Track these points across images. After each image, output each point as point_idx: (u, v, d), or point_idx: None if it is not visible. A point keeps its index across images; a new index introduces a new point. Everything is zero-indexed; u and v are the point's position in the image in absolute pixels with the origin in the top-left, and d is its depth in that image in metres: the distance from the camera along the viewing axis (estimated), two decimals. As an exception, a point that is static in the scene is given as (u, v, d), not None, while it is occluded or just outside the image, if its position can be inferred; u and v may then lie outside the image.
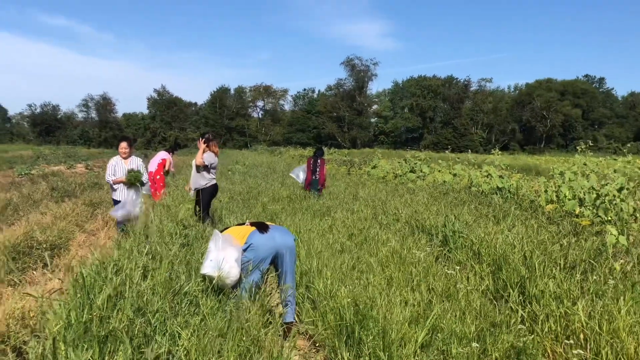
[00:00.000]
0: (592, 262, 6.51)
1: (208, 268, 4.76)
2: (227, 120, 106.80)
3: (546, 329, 4.86)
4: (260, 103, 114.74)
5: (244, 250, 4.95)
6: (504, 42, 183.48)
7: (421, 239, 8.22)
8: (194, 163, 9.66)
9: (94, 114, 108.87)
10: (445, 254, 7.54)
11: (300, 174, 14.67)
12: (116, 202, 9.03)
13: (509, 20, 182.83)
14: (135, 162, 9.24)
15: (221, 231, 5.27)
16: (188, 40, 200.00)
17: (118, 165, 9.12)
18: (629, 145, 20.93)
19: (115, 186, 9.08)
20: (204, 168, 9.47)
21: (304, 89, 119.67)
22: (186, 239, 7.24)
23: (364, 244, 7.90)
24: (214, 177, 9.71)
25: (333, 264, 6.40)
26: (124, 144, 9.25)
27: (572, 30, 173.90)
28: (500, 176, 14.78)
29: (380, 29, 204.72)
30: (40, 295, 4.33)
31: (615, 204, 9.47)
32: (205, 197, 9.45)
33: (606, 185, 9.88)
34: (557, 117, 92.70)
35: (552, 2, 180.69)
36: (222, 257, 4.74)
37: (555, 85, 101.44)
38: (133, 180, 8.95)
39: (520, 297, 5.68)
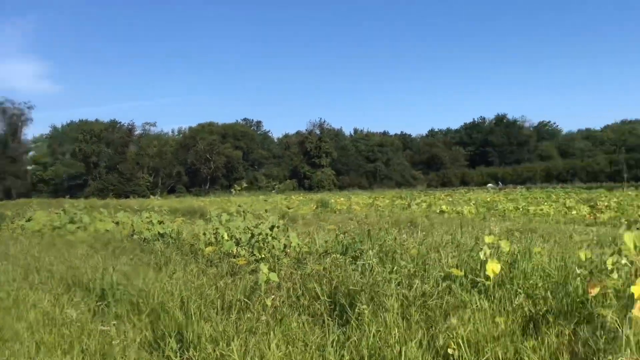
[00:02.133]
0: (247, 300, 6.84)
1: None
2: None
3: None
4: None
5: None
6: (169, 86, 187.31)
7: (77, 296, 7.75)
8: None
9: None
10: (102, 309, 7.17)
11: None
12: None
13: (168, 64, 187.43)
14: None
15: None
16: None
17: None
18: (279, 185, 23.13)
19: None
20: None
21: None
22: None
23: (12, 309, 7.12)
24: None
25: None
26: None
27: (234, 76, 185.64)
28: (161, 222, 14.79)
29: (36, 70, 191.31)
30: None
31: (268, 241, 10.17)
32: None
33: (260, 224, 10.55)
34: (219, 159, 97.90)
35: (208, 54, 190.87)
36: None
37: (217, 129, 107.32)
38: None
39: (179, 345, 5.66)
